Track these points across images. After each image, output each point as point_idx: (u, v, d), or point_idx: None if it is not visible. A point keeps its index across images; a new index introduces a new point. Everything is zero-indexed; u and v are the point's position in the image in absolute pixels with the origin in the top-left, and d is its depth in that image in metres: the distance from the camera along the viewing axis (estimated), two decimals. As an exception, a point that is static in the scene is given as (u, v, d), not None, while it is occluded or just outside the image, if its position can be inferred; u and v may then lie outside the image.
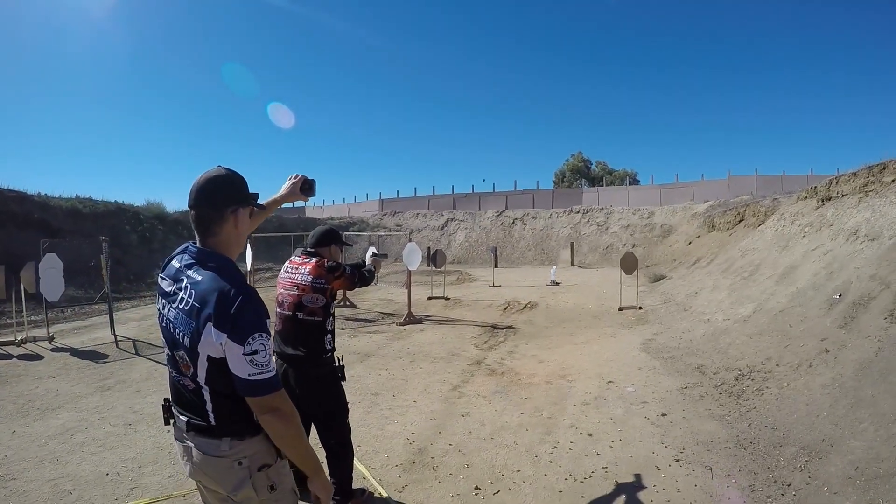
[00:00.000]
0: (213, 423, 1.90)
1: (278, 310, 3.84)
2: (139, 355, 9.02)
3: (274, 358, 1.99)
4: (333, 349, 3.84)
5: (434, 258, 16.54)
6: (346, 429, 3.93)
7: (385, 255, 4.92)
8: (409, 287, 12.63)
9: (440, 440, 5.20)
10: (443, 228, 38.54)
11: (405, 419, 5.80)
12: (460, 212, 39.87)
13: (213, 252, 1.97)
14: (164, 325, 2.01)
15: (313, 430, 3.92)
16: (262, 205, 2.29)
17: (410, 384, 7.10)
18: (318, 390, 3.74)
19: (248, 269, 13.34)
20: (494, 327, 11.15)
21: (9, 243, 15.82)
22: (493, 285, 19.10)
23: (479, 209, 39.68)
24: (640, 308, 12.89)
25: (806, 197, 13.70)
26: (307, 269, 3.79)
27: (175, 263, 2.03)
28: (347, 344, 9.65)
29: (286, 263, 4.00)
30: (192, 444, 1.96)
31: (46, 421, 6.05)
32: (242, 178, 2.07)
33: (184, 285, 1.91)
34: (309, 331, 3.72)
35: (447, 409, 6.10)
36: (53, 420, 6.08)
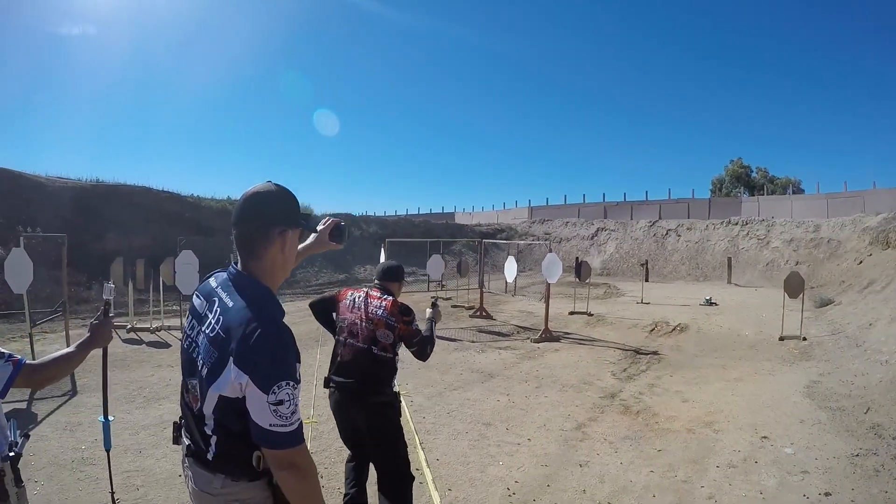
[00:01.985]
0: (210, 457, 1.70)
1: (350, 340, 3.63)
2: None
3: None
4: (394, 385, 3.68)
5: (579, 270, 15.71)
6: (403, 460, 3.60)
7: (438, 299, 4.50)
8: (547, 301, 11.88)
9: (545, 497, 4.50)
10: (592, 238, 37.08)
11: (512, 461, 5.14)
12: (611, 221, 38.09)
13: (253, 278, 1.76)
14: (186, 345, 1.83)
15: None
16: (314, 228, 2.13)
17: (529, 416, 6.41)
18: (376, 414, 3.52)
19: None
20: (637, 352, 10.17)
21: (162, 239, 16.94)
22: (642, 302, 17.81)
23: (631, 219, 37.73)
24: (804, 339, 11.32)
25: None
26: (384, 305, 3.66)
27: (212, 282, 1.86)
28: (473, 360, 9.15)
29: (362, 294, 3.79)
30: (189, 473, 1.80)
31: (147, 410, 6.23)
32: (293, 196, 1.85)
33: (214, 308, 1.73)
34: (382, 365, 3.57)
35: (564, 454, 5.36)
36: (154, 410, 6.24)
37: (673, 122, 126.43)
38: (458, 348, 10.10)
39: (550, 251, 12.62)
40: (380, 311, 3.63)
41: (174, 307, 12.54)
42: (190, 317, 1.87)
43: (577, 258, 29.33)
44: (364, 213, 32.04)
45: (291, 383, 1.59)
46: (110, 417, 2.91)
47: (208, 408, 1.67)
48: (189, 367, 1.79)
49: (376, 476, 3.59)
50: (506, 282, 15.84)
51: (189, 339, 1.82)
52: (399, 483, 3.55)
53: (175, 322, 11.57)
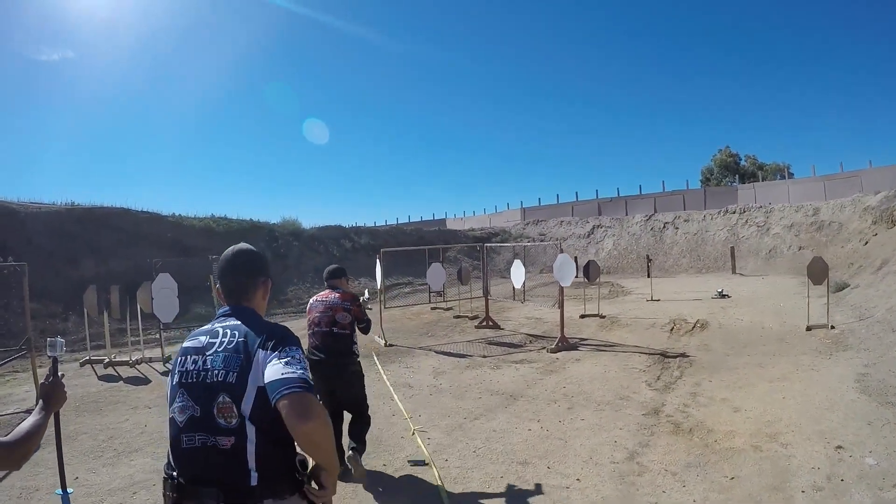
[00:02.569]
0: (253, 483, 1.78)
1: (316, 329, 5.01)
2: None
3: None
4: (358, 354, 5.12)
5: (587, 270, 14.92)
6: (366, 406, 5.17)
7: (370, 297, 6.30)
8: (562, 307, 11.04)
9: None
10: (589, 236, 36.32)
11: (567, 513, 4.23)
12: (606, 218, 37.38)
13: (247, 307, 2.13)
14: (193, 380, 1.91)
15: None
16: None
17: (571, 447, 5.48)
18: (347, 378, 4.98)
19: (379, 286, 12.32)
20: (664, 355, 9.38)
21: (142, 262, 15.76)
22: (652, 299, 17.02)
23: (626, 214, 36.99)
24: (833, 328, 10.63)
25: None
26: (338, 296, 5.13)
27: (206, 326, 2.08)
28: (489, 379, 8.27)
29: (314, 298, 5.27)
30: None
31: (117, 467, 5.30)
32: (264, 256, 2.34)
33: (222, 332, 1.99)
34: (341, 340, 4.96)
35: (625, 496, 4.45)
36: (125, 467, 5.31)
37: (659, 114, 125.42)
38: (471, 365, 9.27)
39: (562, 251, 11.65)
40: (336, 301, 5.07)
41: (154, 336, 11.44)
42: (189, 356, 1.97)
43: (575, 257, 28.63)
44: (354, 225, 30.93)
45: (300, 350, 1.92)
46: (70, 489, 2.62)
47: (246, 406, 1.80)
48: (209, 392, 1.86)
49: (350, 418, 5.08)
50: (512, 287, 14.69)
51: (197, 372, 1.91)
52: (364, 419, 5.09)
53: (157, 353, 10.59)
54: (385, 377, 8.49)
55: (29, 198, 18.76)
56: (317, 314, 5.02)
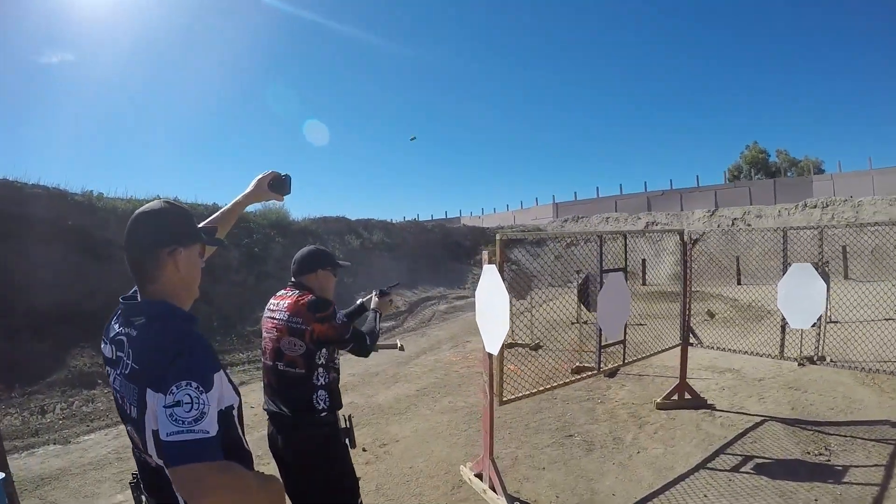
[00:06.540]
0: None
1: (262, 359, 2.67)
2: None
3: (213, 415, 1.30)
4: (330, 408, 2.53)
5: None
6: None
7: (397, 283, 3.26)
8: None
9: None
10: (644, 236, 29.80)
11: None
12: (661, 213, 30.83)
13: (148, 301, 1.51)
14: (115, 396, 1.55)
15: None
16: (218, 240, 1.86)
17: None
18: (308, 456, 2.46)
19: (498, 342, 4.13)
20: None
21: (19, 263, 9.13)
22: (830, 320, 10.22)
23: (682, 209, 30.64)
24: None
25: None
26: (285, 305, 2.57)
27: (115, 325, 1.55)
28: None
29: (269, 302, 2.70)
30: None
31: None
32: (182, 212, 1.62)
33: (125, 348, 1.46)
34: (291, 385, 2.50)
35: None
36: None
37: (674, 111, 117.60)
38: None
39: None
40: (278, 315, 2.57)
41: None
42: (107, 367, 1.58)
43: (643, 261, 22.70)
44: (363, 218, 22.98)
45: (193, 384, 1.30)
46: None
47: (149, 446, 1.38)
48: (123, 415, 1.52)
49: None
50: (781, 343, 6.18)
51: (115, 391, 1.53)
52: None
53: None
54: None
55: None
56: (265, 333, 2.64)
